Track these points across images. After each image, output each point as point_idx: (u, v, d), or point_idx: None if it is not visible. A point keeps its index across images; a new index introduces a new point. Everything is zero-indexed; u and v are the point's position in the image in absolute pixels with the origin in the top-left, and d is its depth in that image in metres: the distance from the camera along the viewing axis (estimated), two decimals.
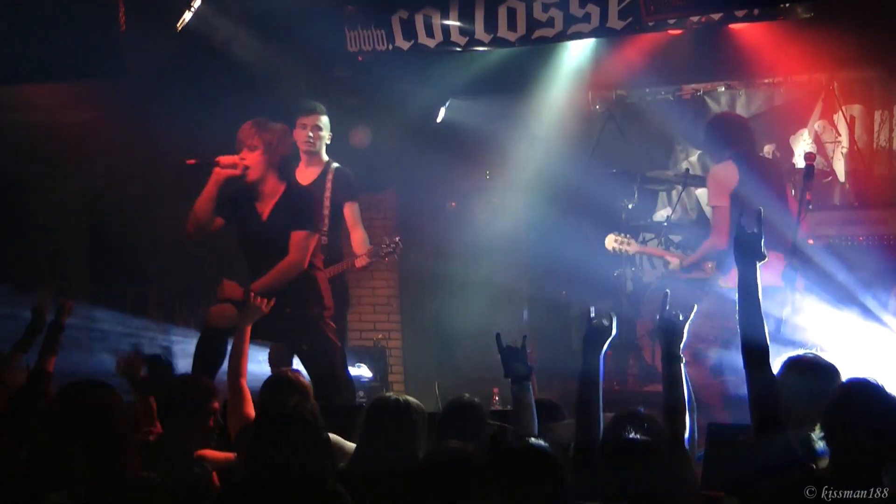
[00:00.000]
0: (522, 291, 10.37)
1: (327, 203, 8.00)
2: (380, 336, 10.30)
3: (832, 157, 9.85)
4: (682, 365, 4.36)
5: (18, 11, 8.28)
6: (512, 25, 8.34)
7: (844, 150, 9.80)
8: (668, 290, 4.54)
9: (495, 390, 9.15)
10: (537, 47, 8.77)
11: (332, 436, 5.16)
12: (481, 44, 8.53)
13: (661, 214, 10.02)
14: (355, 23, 8.89)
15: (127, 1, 8.19)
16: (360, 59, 9.05)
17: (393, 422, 4.89)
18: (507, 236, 10.13)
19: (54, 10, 8.21)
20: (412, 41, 8.69)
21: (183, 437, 5.08)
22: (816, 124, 9.87)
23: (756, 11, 7.94)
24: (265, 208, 7.09)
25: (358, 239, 8.07)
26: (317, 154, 8.01)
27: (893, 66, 9.20)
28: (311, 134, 7.93)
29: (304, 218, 7.09)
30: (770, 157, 9.93)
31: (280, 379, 5.74)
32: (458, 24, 8.51)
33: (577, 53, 9.25)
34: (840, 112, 9.66)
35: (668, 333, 4.42)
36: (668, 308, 4.44)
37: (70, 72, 8.59)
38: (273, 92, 9.36)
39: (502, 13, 8.34)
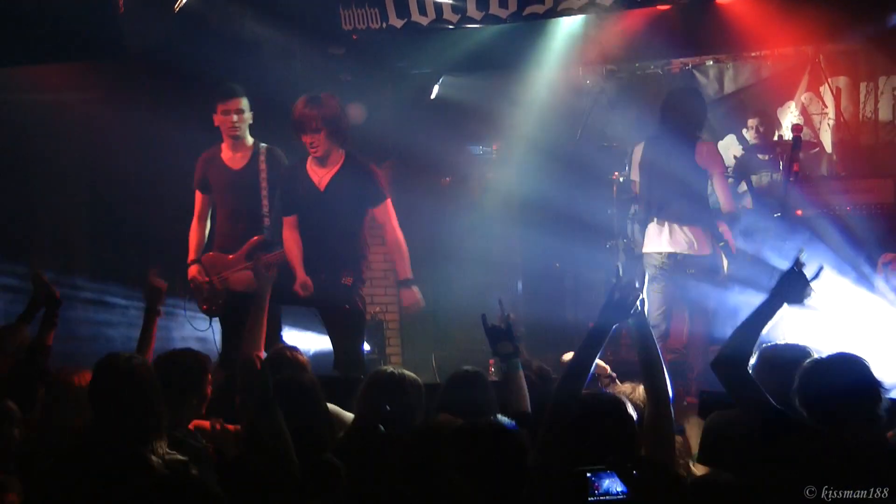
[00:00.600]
0: (517, 264, 10.48)
1: (264, 185, 7.83)
2: (377, 309, 10.38)
3: (819, 129, 9.95)
4: (649, 326, 4.47)
5: None
6: (503, 2, 8.38)
7: (831, 122, 9.89)
8: (619, 264, 4.65)
9: (491, 362, 9.29)
10: (528, 24, 8.83)
11: (332, 406, 5.31)
12: (473, 21, 8.58)
13: None
14: (349, 1, 8.92)
15: None
16: (354, 37, 9.09)
17: (389, 394, 4.99)
18: (501, 210, 10.24)
19: None
20: (405, 19, 8.74)
21: (178, 410, 5.05)
22: (803, 96, 9.97)
23: None
24: (323, 179, 7.43)
25: None
26: (242, 138, 7.88)
27: (878, 39, 9.26)
28: (235, 118, 7.77)
29: (375, 193, 7.47)
30: (753, 130, 10.07)
31: (278, 355, 5.82)
32: (450, 1, 8.57)
33: (567, 29, 9.30)
34: (826, 84, 9.76)
35: (625, 301, 4.45)
36: (621, 278, 4.50)
37: (71, 52, 8.69)
38: (269, 70, 9.47)
39: None
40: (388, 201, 7.51)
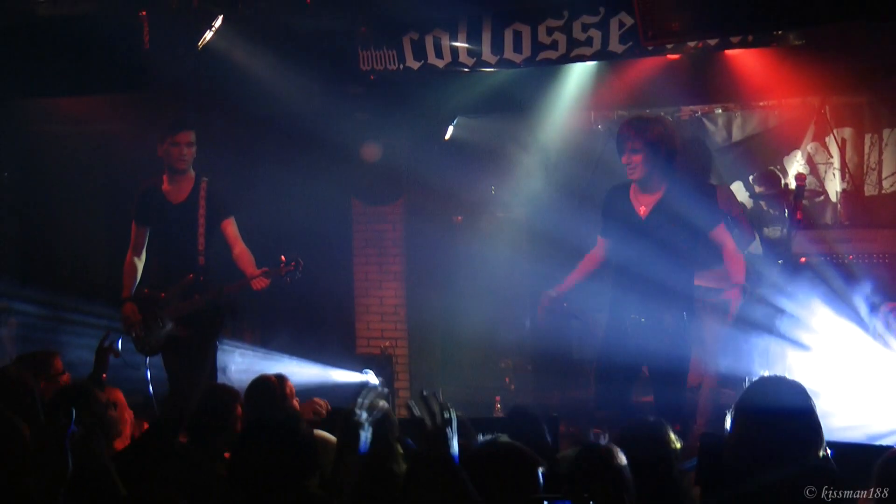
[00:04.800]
0: (525, 302, 10.60)
1: (202, 221, 7.62)
2: (387, 344, 10.51)
3: (824, 178, 10.05)
4: None
5: (53, 31, 8.60)
6: (517, 48, 8.51)
7: (836, 172, 10.00)
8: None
9: (497, 398, 9.45)
10: (542, 68, 8.95)
11: (322, 433, 5.39)
12: (488, 65, 8.70)
13: None
14: (368, 43, 9.07)
15: (152, 20, 8.39)
16: (372, 77, 9.21)
17: None
18: (511, 248, 10.38)
19: (85, 29, 8.50)
20: (422, 61, 8.86)
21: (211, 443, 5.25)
22: (809, 146, 10.06)
23: (750, 38, 8.09)
24: (644, 207, 6.87)
25: (243, 257, 7.64)
26: (186, 171, 7.72)
27: (882, 92, 9.43)
28: (185, 151, 7.62)
29: (709, 217, 6.92)
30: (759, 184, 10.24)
31: (263, 382, 5.93)
32: (466, 45, 8.69)
33: (579, 75, 9.46)
34: (832, 135, 9.86)
35: None
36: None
37: (97, 85, 8.88)
38: (288, 106, 9.66)
39: (508, 36, 8.53)
40: (721, 225, 6.92)
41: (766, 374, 4.62)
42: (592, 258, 7.24)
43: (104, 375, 6.12)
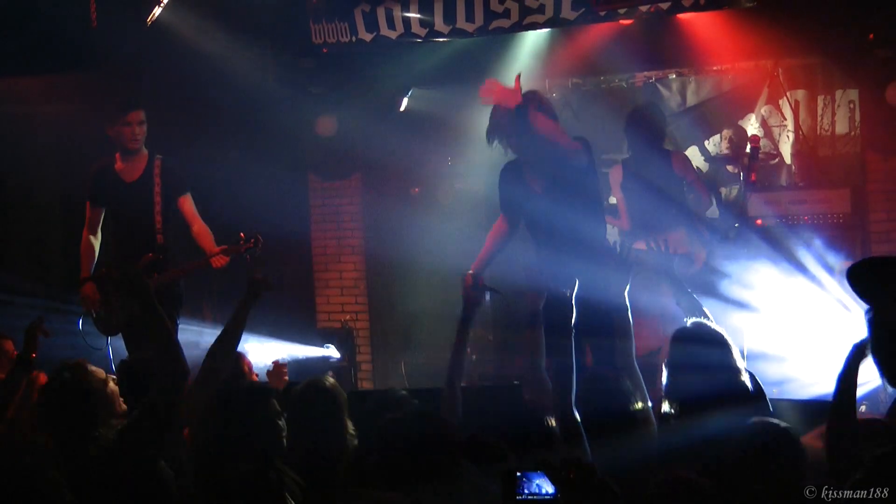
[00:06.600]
0: (484, 272, 10.59)
1: (158, 199, 7.58)
2: (347, 318, 10.53)
3: (779, 140, 10.12)
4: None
5: None
6: (470, 17, 8.52)
7: (790, 134, 10.08)
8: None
9: None
10: (495, 37, 8.97)
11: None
12: (441, 35, 8.71)
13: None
14: (319, 16, 9.02)
15: None
16: (324, 50, 9.18)
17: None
18: (469, 219, 10.38)
19: (31, 7, 8.37)
20: (374, 33, 8.84)
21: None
22: (763, 109, 10.14)
23: (702, 1, 8.15)
24: (539, 183, 6.72)
25: (202, 234, 7.61)
26: (139, 150, 7.65)
27: (834, 53, 9.47)
28: (136, 131, 7.55)
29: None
30: (726, 141, 10.29)
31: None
32: (418, 16, 8.68)
33: (533, 43, 9.46)
34: (785, 97, 9.92)
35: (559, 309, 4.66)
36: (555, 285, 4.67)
37: (44, 64, 8.76)
38: (241, 82, 9.58)
39: (460, 5, 8.54)
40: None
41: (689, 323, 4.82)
42: (497, 231, 7.11)
43: (33, 355, 5.96)
